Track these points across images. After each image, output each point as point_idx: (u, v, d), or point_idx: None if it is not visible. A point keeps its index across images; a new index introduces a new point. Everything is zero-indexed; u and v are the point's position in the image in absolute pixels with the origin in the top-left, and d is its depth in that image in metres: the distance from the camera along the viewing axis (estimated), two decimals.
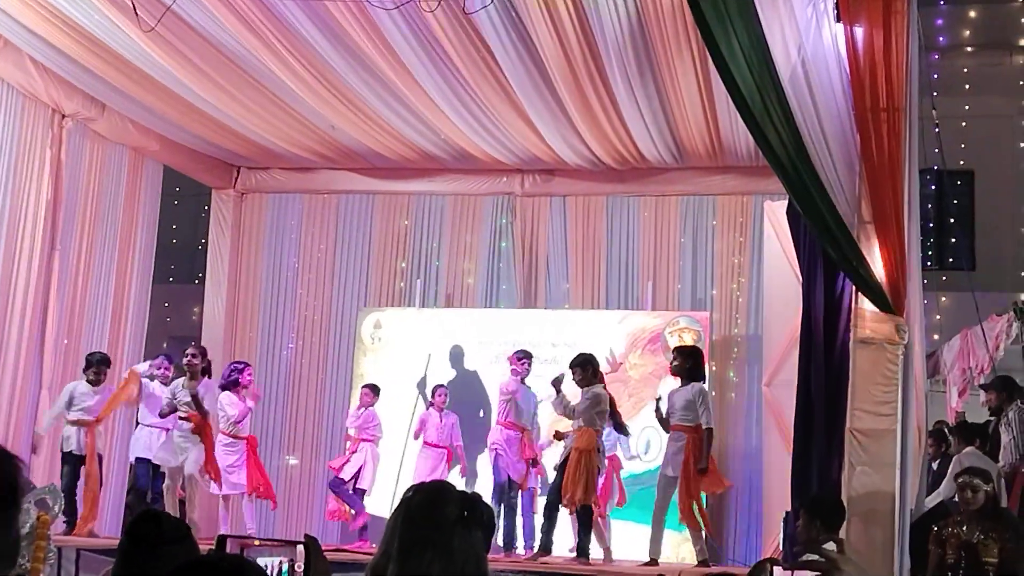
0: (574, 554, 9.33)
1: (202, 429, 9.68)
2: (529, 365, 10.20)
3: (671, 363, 9.58)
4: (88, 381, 10.01)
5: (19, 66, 9.93)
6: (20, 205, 10.24)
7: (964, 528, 6.92)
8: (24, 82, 10.09)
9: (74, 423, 9.90)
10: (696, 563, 9.21)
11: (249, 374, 10.07)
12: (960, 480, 7.05)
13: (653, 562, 9.11)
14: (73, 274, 10.94)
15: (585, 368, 9.41)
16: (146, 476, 10.21)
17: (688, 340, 10.96)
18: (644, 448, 10.85)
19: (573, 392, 9.60)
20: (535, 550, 9.49)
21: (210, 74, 9.88)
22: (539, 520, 9.68)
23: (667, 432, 9.39)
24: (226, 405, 9.90)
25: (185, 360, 9.87)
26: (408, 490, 2.68)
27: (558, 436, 9.75)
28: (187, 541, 3.14)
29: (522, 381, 10.19)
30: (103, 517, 10.54)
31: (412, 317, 12.27)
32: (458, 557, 2.51)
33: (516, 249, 12.43)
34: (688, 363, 9.40)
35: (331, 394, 12.59)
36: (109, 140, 11.37)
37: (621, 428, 9.72)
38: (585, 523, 9.21)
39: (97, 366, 10.06)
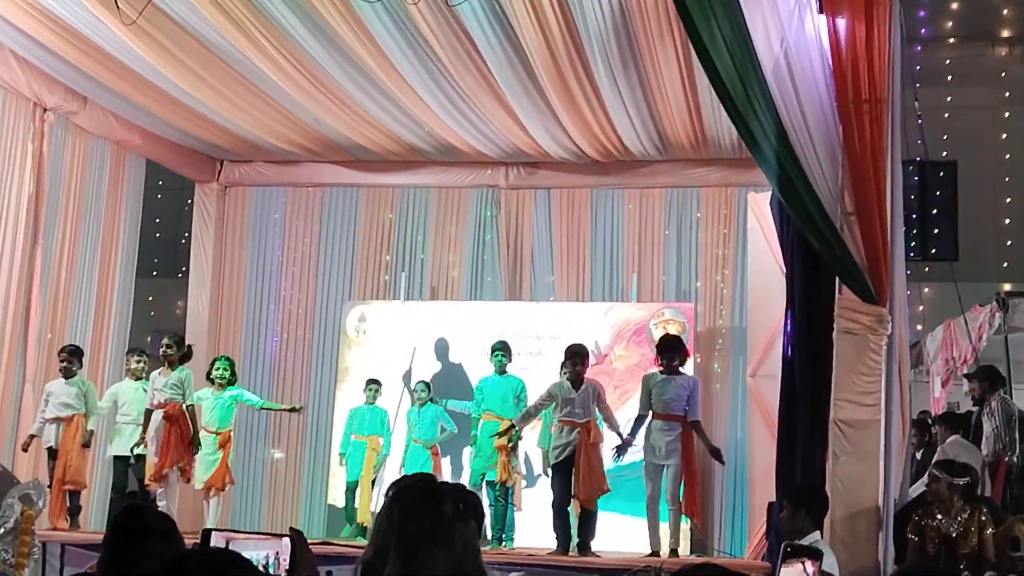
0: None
1: (179, 420, 9.66)
2: (501, 356, 10.11)
3: (664, 357, 9.28)
4: (61, 372, 9.95)
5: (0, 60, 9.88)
6: (2, 199, 10.20)
7: (942, 520, 6.98)
8: (5, 75, 10.03)
9: (51, 420, 9.88)
10: (670, 552, 9.21)
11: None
12: (928, 471, 7.13)
13: (656, 554, 9.09)
14: (56, 268, 10.90)
15: (586, 358, 9.34)
16: (124, 473, 10.17)
17: (673, 332, 10.94)
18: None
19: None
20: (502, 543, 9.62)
21: (192, 67, 9.84)
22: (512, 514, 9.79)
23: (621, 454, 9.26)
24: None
25: (160, 351, 9.87)
26: (393, 487, 2.67)
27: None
28: (172, 535, 3.14)
29: (501, 372, 10.13)
30: (87, 512, 10.51)
31: (397, 310, 12.27)
32: (457, 550, 2.53)
33: (501, 242, 12.44)
34: (679, 357, 9.38)
35: (316, 388, 12.57)
36: (91, 134, 11.33)
37: (610, 422, 9.55)
38: (592, 517, 9.22)
39: (69, 356, 9.98)
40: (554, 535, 9.19)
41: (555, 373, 9.54)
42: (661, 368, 9.33)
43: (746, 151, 8.12)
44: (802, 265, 8.05)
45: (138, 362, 10.43)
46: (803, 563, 4.19)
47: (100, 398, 10.30)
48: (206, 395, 10.06)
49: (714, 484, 11.16)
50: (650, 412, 9.22)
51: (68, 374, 9.93)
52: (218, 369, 10.14)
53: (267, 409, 10.99)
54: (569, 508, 9.30)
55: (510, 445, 9.66)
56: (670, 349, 9.36)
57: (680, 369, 9.36)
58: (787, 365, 8.30)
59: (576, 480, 9.05)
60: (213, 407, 10.06)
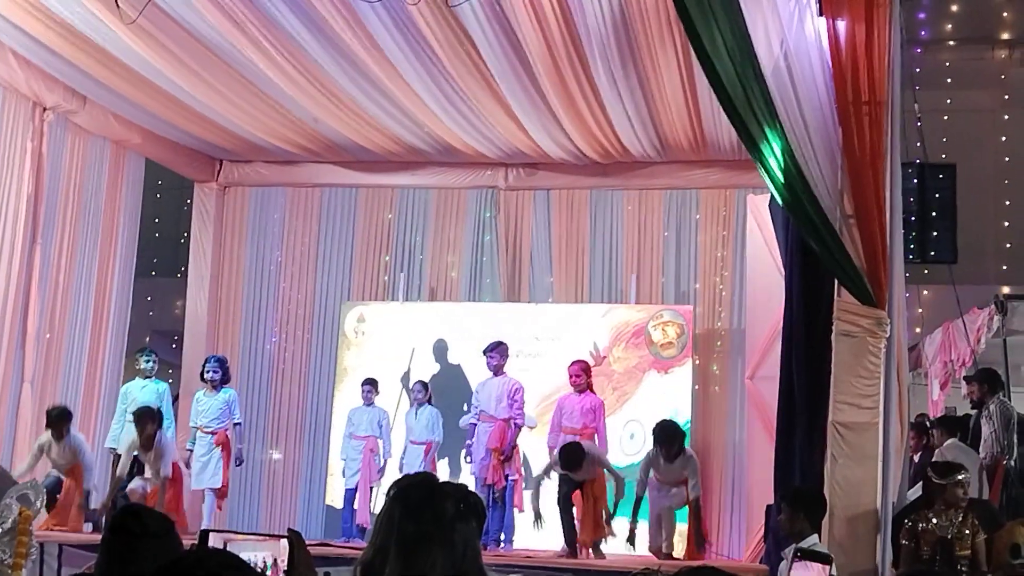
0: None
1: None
2: (498, 357, 10.16)
3: (664, 446, 9.50)
4: (53, 437, 9.83)
5: None
6: (1, 198, 10.18)
7: (937, 523, 6.95)
8: (4, 74, 10.02)
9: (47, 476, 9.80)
10: (665, 556, 9.37)
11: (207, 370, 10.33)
12: (949, 479, 7.01)
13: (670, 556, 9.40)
14: (55, 268, 10.89)
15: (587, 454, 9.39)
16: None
17: (672, 333, 11.06)
18: (628, 440, 10.88)
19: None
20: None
21: (192, 67, 9.84)
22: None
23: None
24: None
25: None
26: (394, 486, 2.66)
27: None
28: (169, 536, 3.13)
29: (497, 373, 10.16)
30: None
31: (395, 311, 12.25)
32: (458, 550, 2.53)
33: (500, 243, 12.42)
34: (678, 444, 9.57)
35: (314, 388, 12.55)
36: (91, 133, 11.31)
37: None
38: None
39: (56, 423, 9.77)
40: (562, 532, 9.29)
41: (553, 375, 9.60)
42: (662, 454, 9.50)
43: (745, 153, 8.11)
44: (801, 267, 8.06)
45: (147, 362, 10.53)
46: (819, 570, 4.17)
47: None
48: (200, 396, 10.07)
49: (713, 486, 11.15)
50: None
51: (58, 437, 9.79)
52: (208, 372, 10.16)
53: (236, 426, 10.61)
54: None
55: (503, 458, 9.77)
56: (671, 440, 9.56)
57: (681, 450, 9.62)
58: (786, 367, 8.30)
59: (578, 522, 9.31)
60: (208, 407, 10.05)
